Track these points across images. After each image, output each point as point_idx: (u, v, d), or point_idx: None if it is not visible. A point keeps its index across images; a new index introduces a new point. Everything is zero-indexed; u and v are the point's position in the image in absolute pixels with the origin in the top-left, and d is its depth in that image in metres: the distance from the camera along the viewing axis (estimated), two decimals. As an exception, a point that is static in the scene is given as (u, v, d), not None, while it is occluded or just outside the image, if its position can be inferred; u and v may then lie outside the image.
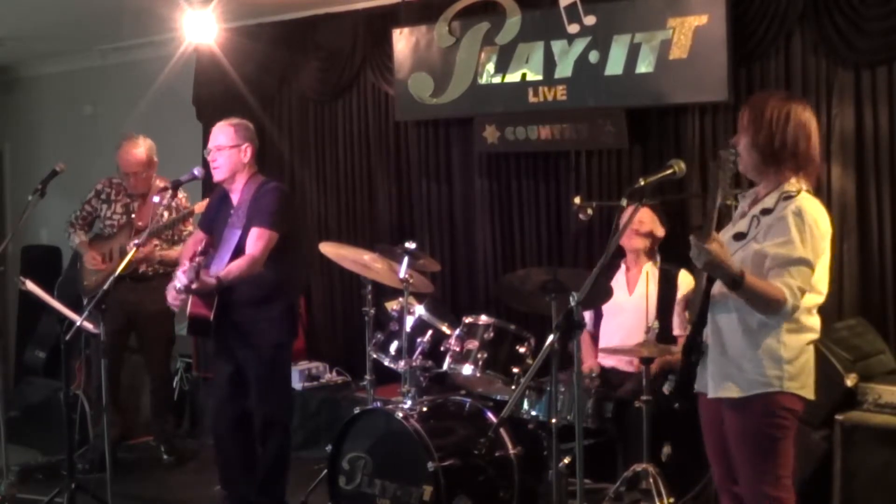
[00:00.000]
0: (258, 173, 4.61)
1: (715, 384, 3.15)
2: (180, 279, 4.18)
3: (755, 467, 3.10)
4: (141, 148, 5.64)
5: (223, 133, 4.54)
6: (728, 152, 3.07)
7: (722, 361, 3.14)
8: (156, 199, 5.39)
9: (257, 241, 4.37)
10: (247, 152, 4.55)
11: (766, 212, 3.10)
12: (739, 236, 3.13)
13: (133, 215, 5.68)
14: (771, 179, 3.15)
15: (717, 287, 3.09)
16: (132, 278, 5.47)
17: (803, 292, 3.03)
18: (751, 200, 3.23)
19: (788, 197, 3.07)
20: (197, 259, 4.15)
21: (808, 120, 3.14)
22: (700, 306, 3.15)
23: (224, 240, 4.47)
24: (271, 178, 4.70)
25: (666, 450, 4.27)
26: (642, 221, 4.72)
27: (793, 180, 3.11)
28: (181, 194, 5.55)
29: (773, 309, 3.00)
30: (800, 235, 3.00)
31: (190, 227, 5.61)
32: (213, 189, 4.92)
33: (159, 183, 5.69)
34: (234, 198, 4.56)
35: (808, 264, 3.02)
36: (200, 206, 5.23)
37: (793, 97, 3.27)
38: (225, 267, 4.33)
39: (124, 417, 5.98)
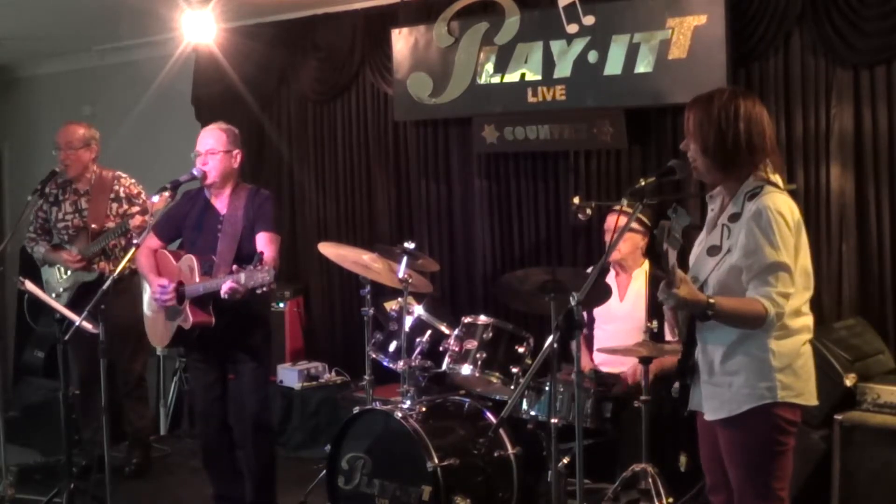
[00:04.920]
0: (241, 181, 4.63)
1: (709, 407, 3.03)
2: (234, 287, 4.07)
3: (748, 482, 2.98)
4: (82, 128, 5.53)
5: (214, 137, 4.52)
6: (669, 224, 2.88)
7: (712, 382, 3.01)
8: (155, 198, 5.34)
9: (270, 244, 4.41)
10: (237, 158, 4.56)
11: (734, 217, 2.96)
12: (713, 250, 3.00)
13: (85, 215, 5.50)
14: (731, 181, 3.00)
15: None
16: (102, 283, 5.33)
17: (786, 296, 2.87)
18: (719, 203, 3.08)
19: (753, 195, 2.93)
20: (267, 263, 4.08)
21: (759, 114, 2.96)
22: (687, 329, 3.07)
23: (218, 247, 4.44)
24: (255, 185, 4.70)
25: (683, 459, 4.25)
26: (611, 230, 4.71)
27: (751, 179, 2.96)
28: (134, 186, 5.54)
29: (755, 324, 2.87)
30: (766, 238, 2.85)
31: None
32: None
33: (107, 172, 5.55)
34: (219, 205, 4.54)
35: (784, 266, 2.86)
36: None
37: (740, 92, 3.06)
38: (227, 273, 4.29)
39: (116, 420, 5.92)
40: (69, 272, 5.51)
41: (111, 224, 5.45)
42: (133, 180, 5.62)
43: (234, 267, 4.10)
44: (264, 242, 4.40)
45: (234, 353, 4.54)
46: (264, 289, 4.06)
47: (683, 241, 2.96)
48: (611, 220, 4.74)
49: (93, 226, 5.46)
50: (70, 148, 5.49)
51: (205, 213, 4.56)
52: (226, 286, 4.11)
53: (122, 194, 5.54)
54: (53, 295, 5.52)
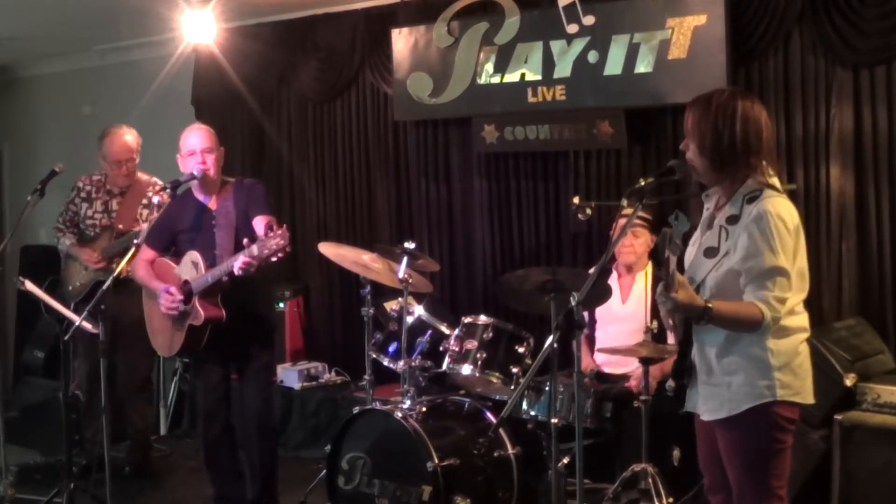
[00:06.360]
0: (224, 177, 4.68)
1: (707, 408, 3.04)
2: (248, 261, 4.04)
3: (747, 481, 2.99)
4: (130, 135, 5.58)
5: (204, 136, 4.55)
6: (671, 230, 2.87)
7: (711, 382, 3.02)
8: (155, 199, 5.33)
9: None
10: (223, 154, 4.64)
11: (732, 219, 2.95)
12: (711, 252, 3.00)
13: (113, 216, 5.54)
14: (727, 182, 3.00)
15: None
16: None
17: (782, 301, 2.88)
18: (714, 203, 3.08)
19: (752, 198, 2.93)
20: (280, 228, 4.04)
21: (758, 115, 2.96)
22: (683, 329, 3.07)
23: (216, 241, 4.45)
24: (239, 178, 4.72)
25: (676, 453, 4.26)
26: (634, 245, 4.76)
27: (749, 181, 2.96)
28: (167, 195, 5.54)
29: (751, 328, 2.89)
30: (766, 243, 2.86)
31: None
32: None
33: (143, 176, 5.62)
34: (210, 203, 4.56)
35: (782, 271, 2.87)
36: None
37: (740, 92, 3.08)
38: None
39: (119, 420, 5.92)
40: (88, 268, 5.54)
41: (137, 228, 5.48)
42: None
43: (245, 241, 4.07)
44: (263, 224, 4.37)
45: (240, 353, 4.54)
46: (280, 255, 4.03)
47: (683, 246, 2.97)
48: (621, 220, 4.76)
49: (119, 226, 5.49)
50: (131, 161, 5.56)
51: (197, 213, 4.57)
52: (238, 263, 4.08)
53: (154, 201, 5.55)
54: (69, 287, 5.57)
